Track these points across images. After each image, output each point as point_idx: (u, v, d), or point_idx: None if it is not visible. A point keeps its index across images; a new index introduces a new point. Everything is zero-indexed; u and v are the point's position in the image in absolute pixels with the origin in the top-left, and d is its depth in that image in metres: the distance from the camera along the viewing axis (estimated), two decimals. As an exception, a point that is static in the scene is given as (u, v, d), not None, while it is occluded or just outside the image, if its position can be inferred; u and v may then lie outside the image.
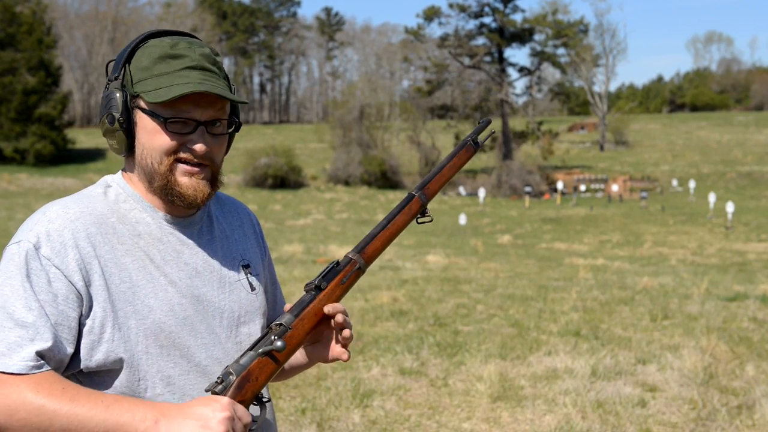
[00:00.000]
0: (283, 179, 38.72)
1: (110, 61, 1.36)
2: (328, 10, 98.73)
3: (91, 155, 46.52)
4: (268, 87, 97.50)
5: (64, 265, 1.24)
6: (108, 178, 1.41)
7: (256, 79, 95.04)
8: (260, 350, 1.26)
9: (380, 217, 26.79)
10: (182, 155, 1.32)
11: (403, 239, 19.33)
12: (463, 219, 22.46)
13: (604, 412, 4.46)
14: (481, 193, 32.98)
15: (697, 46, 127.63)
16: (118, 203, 1.36)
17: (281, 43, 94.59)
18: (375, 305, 7.55)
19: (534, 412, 4.45)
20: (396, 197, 36.29)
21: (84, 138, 52.98)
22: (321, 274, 1.38)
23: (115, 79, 1.33)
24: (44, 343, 1.19)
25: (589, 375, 5.10)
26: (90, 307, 1.25)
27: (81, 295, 1.24)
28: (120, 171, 1.42)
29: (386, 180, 41.36)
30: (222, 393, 1.22)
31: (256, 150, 39.56)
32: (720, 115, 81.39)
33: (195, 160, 1.33)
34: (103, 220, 1.32)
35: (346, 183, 40.69)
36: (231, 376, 1.23)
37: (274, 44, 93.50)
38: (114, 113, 1.31)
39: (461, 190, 40.45)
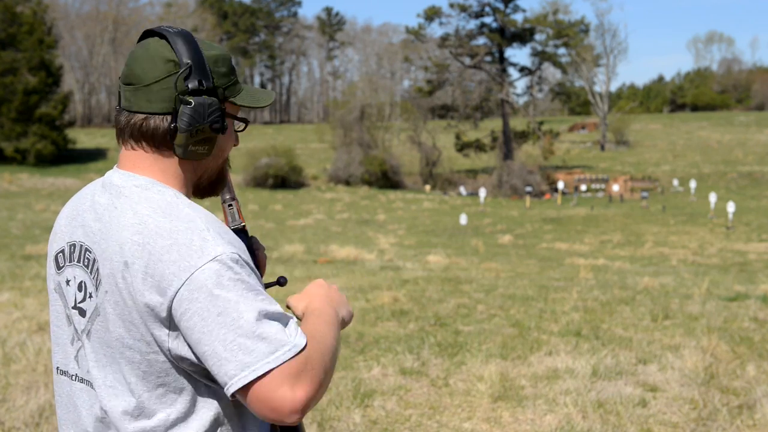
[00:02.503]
0: (284, 179, 38.74)
1: (184, 70, 1.30)
2: (328, 10, 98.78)
3: (92, 155, 46.58)
4: (269, 87, 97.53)
5: (253, 266, 1.31)
6: (160, 187, 1.33)
7: (257, 79, 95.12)
8: (265, 286, 1.47)
9: (381, 217, 26.81)
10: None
11: (404, 239, 19.34)
12: (463, 219, 22.47)
13: (605, 412, 4.46)
14: (482, 193, 32.99)
15: (698, 46, 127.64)
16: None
17: (282, 43, 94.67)
18: (376, 305, 7.55)
19: (535, 412, 4.45)
20: (397, 197, 36.30)
21: (85, 138, 53.02)
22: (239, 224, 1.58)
23: (210, 87, 1.33)
24: (293, 319, 1.28)
25: (589, 375, 5.10)
26: None
27: None
28: (140, 176, 1.34)
29: (387, 180, 41.38)
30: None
31: (256, 150, 39.58)
32: (721, 115, 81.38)
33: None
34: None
35: (347, 183, 40.71)
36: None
37: (275, 44, 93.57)
38: (219, 120, 1.33)
39: (462, 190, 40.47)
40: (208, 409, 1.30)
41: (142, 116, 1.32)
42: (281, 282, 1.53)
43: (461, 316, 7.12)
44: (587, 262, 13.27)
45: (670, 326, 6.72)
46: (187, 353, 1.25)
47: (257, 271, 1.31)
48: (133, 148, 1.35)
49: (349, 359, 5.50)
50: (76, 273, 1.34)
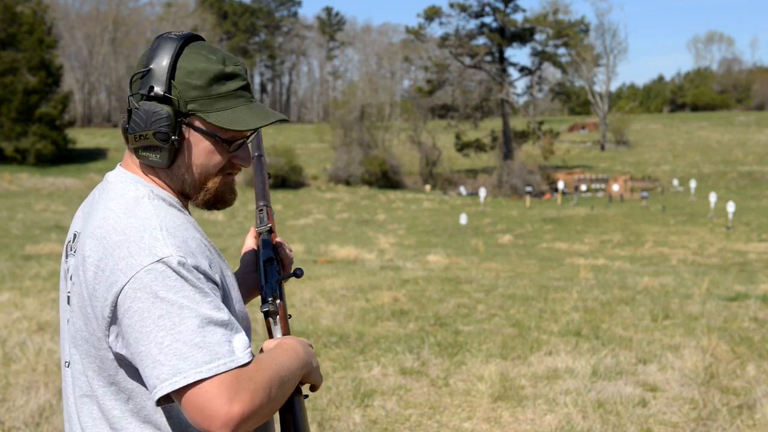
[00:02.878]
0: (284, 179, 38.72)
1: (137, 73, 1.32)
2: (328, 10, 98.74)
3: (92, 155, 46.55)
4: (269, 87, 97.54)
5: (208, 270, 1.27)
6: (140, 185, 1.35)
7: (257, 79, 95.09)
8: (281, 277, 1.50)
9: (381, 217, 26.81)
10: (229, 170, 1.41)
11: (404, 239, 19.34)
12: (463, 219, 22.47)
13: (605, 411, 4.46)
14: (482, 193, 32.97)
15: (698, 46, 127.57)
16: (174, 208, 1.36)
17: (282, 43, 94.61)
18: (376, 305, 7.55)
19: (535, 412, 4.45)
20: (397, 197, 36.30)
21: (85, 138, 53.00)
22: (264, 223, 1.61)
23: (166, 94, 1.30)
24: (242, 333, 1.25)
25: (589, 375, 5.10)
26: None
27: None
28: (131, 174, 1.37)
29: (387, 180, 41.38)
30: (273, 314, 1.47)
31: (256, 150, 39.54)
32: (721, 115, 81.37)
33: (238, 172, 1.42)
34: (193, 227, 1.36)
35: (347, 183, 40.70)
36: (275, 301, 1.47)
37: (275, 44, 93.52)
38: (165, 131, 1.30)
39: (462, 190, 40.46)
40: (158, 418, 1.29)
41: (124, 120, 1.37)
42: (297, 274, 1.52)
43: (461, 316, 7.12)
44: (587, 262, 13.27)
45: (670, 326, 6.72)
46: (126, 353, 1.24)
47: (215, 276, 1.28)
48: (127, 150, 1.40)
49: (349, 359, 5.51)
50: (71, 263, 1.38)
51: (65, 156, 43.84)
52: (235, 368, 1.18)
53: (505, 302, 7.88)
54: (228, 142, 1.35)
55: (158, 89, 1.30)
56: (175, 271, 1.21)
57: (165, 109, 1.29)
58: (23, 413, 4.18)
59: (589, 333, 6.40)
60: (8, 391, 4.58)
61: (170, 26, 66.95)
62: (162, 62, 1.30)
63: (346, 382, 4.91)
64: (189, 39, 1.35)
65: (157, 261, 1.21)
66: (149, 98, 1.30)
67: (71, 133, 48.22)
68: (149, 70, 1.30)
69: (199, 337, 1.17)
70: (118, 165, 1.42)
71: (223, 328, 1.20)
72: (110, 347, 1.26)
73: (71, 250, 1.39)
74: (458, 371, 5.24)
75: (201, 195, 1.39)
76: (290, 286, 8.86)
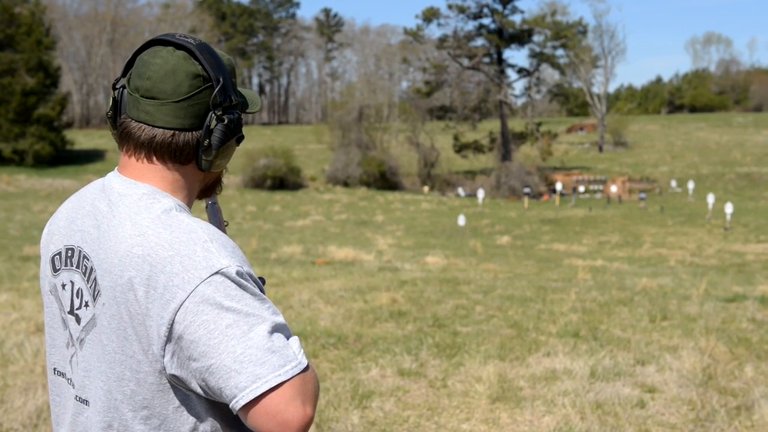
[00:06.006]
0: (282, 180, 38.74)
1: (208, 86, 1.29)
2: (327, 11, 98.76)
3: (90, 156, 46.55)
4: (267, 88, 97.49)
5: (255, 277, 1.28)
6: (161, 196, 1.29)
7: (255, 80, 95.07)
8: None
9: (380, 218, 26.81)
10: None
11: (403, 240, 19.34)
12: (462, 220, 22.48)
13: (603, 413, 4.46)
14: (480, 194, 33.00)
15: (696, 47, 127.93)
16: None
17: (280, 44, 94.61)
18: (374, 306, 7.55)
19: (533, 413, 4.45)
20: (395, 198, 36.30)
21: (83, 139, 52.97)
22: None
23: (237, 102, 1.32)
24: (295, 336, 1.25)
25: (588, 376, 5.10)
26: None
27: None
28: (143, 184, 1.30)
29: (385, 181, 41.39)
30: None
31: (255, 151, 39.60)
32: (719, 116, 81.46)
33: None
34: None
35: (345, 184, 40.70)
36: None
37: (273, 45, 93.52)
38: (241, 133, 1.34)
39: (460, 191, 40.48)
40: None
41: (170, 132, 1.28)
42: None
43: (459, 317, 7.12)
44: (585, 263, 13.28)
45: (668, 327, 6.72)
46: (181, 373, 1.20)
47: (259, 282, 1.29)
48: (146, 160, 1.30)
49: (348, 360, 5.50)
50: (73, 278, 1.31)
51: (63, 157, 43.86)
52: (302, 371, 1.19)
53: (503, 303, 7.88)
54: None
55: (234, 98, 1.32)
56: (233, 281, 1.19)
57: (239, 114, 1.33)
58: (21, 415, 4.18)
59: (588, 334, 6.40)
60: (6, 392, 4.58)
61: (169, 27, 66.95)
62: (222, 71, 1.30)
63: (344, 383, 4.91)
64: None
65: (216, 273, 1.19)
66: (226, 108, 1.31)
67: (69, 134, 48.26)
68: (220, 82, 1.29)
69: (269, 343, 1.17)
70: (116, 173, 1.34)
71: (284, 332, 1.21)
72: (163, 369, 1.21)
73: (72, 265, 1.32)
74: (456, 372, 5.24)
75: (213, 180, 1.42)
76: (288, 288, 8.86)
